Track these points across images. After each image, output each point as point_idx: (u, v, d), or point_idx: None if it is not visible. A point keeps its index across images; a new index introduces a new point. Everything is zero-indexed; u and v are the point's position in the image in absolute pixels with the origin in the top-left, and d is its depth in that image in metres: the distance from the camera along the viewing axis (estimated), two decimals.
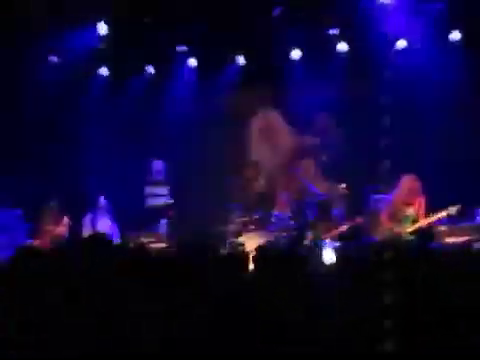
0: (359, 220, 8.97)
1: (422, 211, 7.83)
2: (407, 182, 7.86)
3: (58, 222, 9.63)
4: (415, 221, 7.80)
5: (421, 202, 7.85)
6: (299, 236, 9.35)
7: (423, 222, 7.78)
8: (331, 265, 7.57)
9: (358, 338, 2.34)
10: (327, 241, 8.92)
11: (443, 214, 7.73)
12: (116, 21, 10.09)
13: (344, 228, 8.96)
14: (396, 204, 7.89)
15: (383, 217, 8.03)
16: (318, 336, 2.27)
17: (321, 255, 8.14)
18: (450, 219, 8.80)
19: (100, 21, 9.99)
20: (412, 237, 7.74)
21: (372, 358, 2.35)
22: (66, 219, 9.71)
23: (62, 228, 9.64)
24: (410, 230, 7.75)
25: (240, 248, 8.67)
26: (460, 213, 7.84)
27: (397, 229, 7.77)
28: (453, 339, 2.30)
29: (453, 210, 7.68)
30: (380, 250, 3.02)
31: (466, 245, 7.01)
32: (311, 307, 2.31)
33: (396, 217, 7.87)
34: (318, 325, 2.28)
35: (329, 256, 8.23)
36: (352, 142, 10.94)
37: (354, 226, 8.90)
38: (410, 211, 7.82)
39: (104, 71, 11.13)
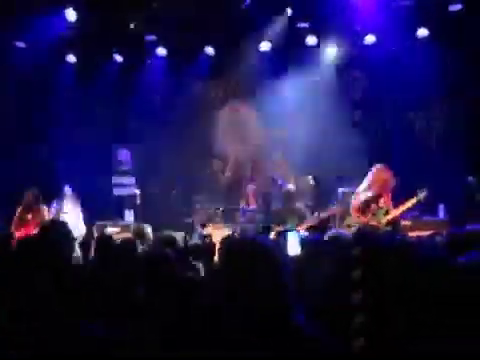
0: (333, 210, 9.00)
1: (390, 201, 7.75)
2: (378, 173, 7.75)
3: (36, 211, 9.32)
4: (388, 212, 7.72)
5: (389, 198, 7.78)
6: (264, 228, 9.38)
7: (396, 211, 7.71)
8: (295, 256, 7.62)
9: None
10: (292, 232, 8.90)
11: (413, 201, 7.66)
12: (85, 8, 9.94)
13: (315, 220, 8.98)
14: (366, 196, 7.78)
15: (354, 210, 7.90)
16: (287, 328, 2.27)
17: (286, 246, 8.16)
18: (413, 213, 8.90)
19: (69, 7, 9.83)
20: (388, 228, 7.66)
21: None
22: (53, 208, 9.54)
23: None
24: (385, 221, 7.66)
25: (207, 239, 8.65)
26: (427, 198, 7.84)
27: (372, 222, 7.67)
28: (426, 332, 2.32)
29: (422, 195, 7.63)
30: (348, 245, 3.02)
31: (430, 238, 7.09)
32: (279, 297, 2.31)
33: (369, 210, 7.76)
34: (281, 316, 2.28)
35: (294, 247, 8.25)
36: (321, 135, 11.01)
37: (325, 218, 8.93)
38: (381, 203, 7.74)
39: (72, 58, 10.97)
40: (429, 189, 7.82)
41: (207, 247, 6.33)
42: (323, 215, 8.92)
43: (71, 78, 10.94)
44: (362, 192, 7.82)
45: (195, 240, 8.77)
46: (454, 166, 9.79)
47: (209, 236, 8.83)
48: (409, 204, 7.67)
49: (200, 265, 5.29)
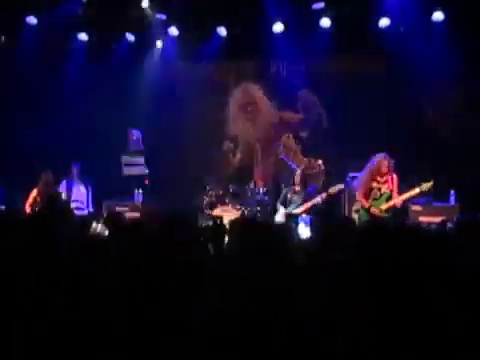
0: (337, 188, 9.01)
1: (396, 188, 7.89)
2: (378, 160, 7.91)
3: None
4: (389, 198, 7.86)
5: (394, 179, 7.90)
6: (272, 211, 9.38)
7: (397, 199, 7.84)
8: (306, 239, 7.62)
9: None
10: (303, 216, 8.92)
11: (416, 191, 7.83)
12: None
13: (319, 200, 8.98)
14: (368, 182, 7.92)
15: (359, 195, 8.07)
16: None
17: (297, 230, 8.17)
18: (425, 198, 8.87)
19: None
20: (387, 214, 7.80)
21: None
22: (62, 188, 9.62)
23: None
24: (385, 207, 7.80)
25: (218, 221, 8.62)
26: (432, 190, 7.91)
27: (373, 209, 7.80)
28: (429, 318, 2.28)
29: (426, 187, 7.76)
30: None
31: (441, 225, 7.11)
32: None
33: (370, 195, 7.91)
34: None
35: (304, 231, 8.26)
36: (333, 119, 10.95)
37: (325, 199, 8.95)
38: (384, 189, 7.87)
39: (83, 36, 10.92)
40: (439, 177, 7.86)
41: (217, 229, 6.30)
42: (322, 197, 8.92)
43: (82, 57, 10.90)
44: (361, 178, 7.98)
45: (204, 221, 8.80)
46: (467, 152, 9.70)
47: (220, 217, 8.82)
48: (412, 193, 7.80)
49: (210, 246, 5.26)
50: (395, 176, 7.93)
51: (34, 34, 10.45)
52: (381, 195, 7.89)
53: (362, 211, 7.99)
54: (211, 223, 8.48)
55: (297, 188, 9.29)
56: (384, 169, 7.86)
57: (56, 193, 9.14)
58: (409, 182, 8.13)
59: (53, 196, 7.86)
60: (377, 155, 7.99)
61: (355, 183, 8.53)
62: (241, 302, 2.26)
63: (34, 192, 9.34)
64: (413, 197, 8.03)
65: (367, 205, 7.86)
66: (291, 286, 2.26)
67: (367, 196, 7.93)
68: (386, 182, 7.88)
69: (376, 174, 7.91)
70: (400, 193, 7.87)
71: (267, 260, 2.29)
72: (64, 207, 3.44)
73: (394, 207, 7.84)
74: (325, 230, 3.75)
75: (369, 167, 7.97)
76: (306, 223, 8.66)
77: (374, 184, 7.90)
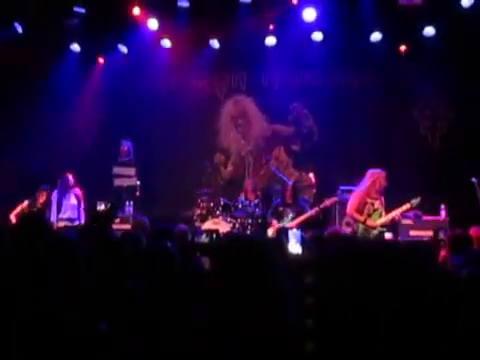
0: (332, 200, 9.01)
1: (382, 204, 7.96)
2: (378, 177, 7.92)
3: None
4: (381, 215, 7.90)
5: (382, 201, 7.98)
6: (263, 224, 9.34)
7: (389, 215, 7.87)
8: (297, 255, 7.59)
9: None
10: (293, 230, 8.87)
11: (407, 206, 7.87)
12: None
13: (312, 213, 8.97)
14: (363, 197, 7.93)
15: (350, 209, 8.04)
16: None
17: (287, 245, 8.13)
18: (416, 213, 8.89)
19: None
20: (383, 229, 7.83)
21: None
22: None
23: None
24: (381, 222, 7.82)
25: (213, 235, 8.59)
26: (420, 204, 8.00)
27: (369, 222, 7.81)
28: None
29: (415, 202, 7.84)
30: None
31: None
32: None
33: (365, 210, 7.90)
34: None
35: (294, 246, 8.22)
36: (324, 132, 10.98)
37: (318, 212, 8.94)
38: (377, 204, 7.90)
39: (75, 47, 10.89)
40: (429, 191, 7.93)
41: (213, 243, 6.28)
42: (316, 210, 8.92)
43: (74, 67, 10.87)
44: (358, 193, 7.98)
45: (199, 237, 8.73)
46: (457, 166, 9.73)
47: (215, 231, 8.78)
48: (403, 209, 7.85)
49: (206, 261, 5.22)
50: (382, 198, 8.03)
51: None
52: (374, 210, 7.91)
53: (359, 225, 7.96)
54: (206, 237, 8.46)
55: (288, 201, 9.28)
56: (382, 186, 7.90)
57: (38, 211, 9.05)
58: (398, 196, 8.17)
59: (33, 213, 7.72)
60: (375, 171, 7.99)
61: (348, 197, 8.53)
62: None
63: (24, 203, 9.31)
64: (404, 212, 8.09)
65: (362, 219, 7.84)
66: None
67: (360, 211, 7.93)
68: (378, 199, 7.93)
69: (372, 190, 7.92)
70: (390, 210, 7.94)
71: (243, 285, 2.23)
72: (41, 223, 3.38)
73: (392, 221, 7.90)
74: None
75: (368, 183, 7.95)
76: (297, 238, 8.60)
77: (368, 199, 7.91)
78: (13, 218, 9.20)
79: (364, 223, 7.83)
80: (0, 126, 10.85)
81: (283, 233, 8.81)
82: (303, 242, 7.24)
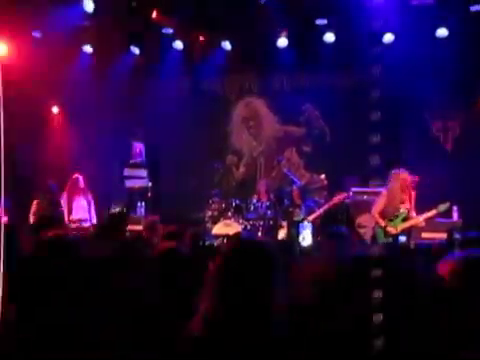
0: (342, 196, 8.97)
1: (413, 205, 7.67)
2: (401, 177, 7.64)
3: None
4: (406, 219, 7.62)
5: (412, 196, 7.67)
6: (275, 225, 9.35)
7: (415, 220, 7.63)
8: (309, 247, 7.57)
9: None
10: (305, 222, 8.82)
11: (433, 212, 7.56)
12: None
13: (321, 212, 8.95)
14: (390, 201, 7.65)
15: (375, 212, 7.78)
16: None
17: (298, 240, 8.16)
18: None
19: None
20: (404, 235, 7.58)
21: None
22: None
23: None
24: (401, 228, 7.57)
25: (224, 239, 8.61)
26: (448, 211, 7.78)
27: (389, 228, 7.57)
28: None
29: (443, 208, 7.55)
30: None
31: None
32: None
33: (389, 214, 7.65)
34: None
35: (306, 238, 8.24)
36: (336, 133, 10.96)
37: (335, 208, 8.92)
38: (403, 209, 7.62)
39: (88, 49, 10.91)
40: (442, 193, 7.73)
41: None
42: (329, 205, 8.90)
43: (86, 69, 10.90)
44: (384, 193, 7.70)
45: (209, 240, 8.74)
46: (470, 168, 9.67)
47: (225, 236, 8.78)
48: (429, 215, 7.57)
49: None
50: (413, 193, 7.73)
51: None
52: (398, 214, 7.63)
53: (378, 230, 7.75)
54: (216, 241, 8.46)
55: (297, 202, 9.31)
56: (406, 186, 7.61)
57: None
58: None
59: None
60: (398, 171, 7.69)
61: (360, 199, 8.42)
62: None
63: (34, 202, 9.32)
64: (430, 218, 7.81)
65: (383, 224, 7.63)
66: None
67: (384, 215, 7.68)
68: (404, 202, 7.65)
69: (398, 192, 7.63)
70: (416, 211, 7.68)
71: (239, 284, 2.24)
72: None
73: (415, 227, 7.70)
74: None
75: (391, 185, 7.66)
76: (309, 230, 8.53)
77: (394, 203, 7.65)
78: (32, 217, 9.17)
79: (384, 228, 7.63)
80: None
81: (295, 227, 8.85)
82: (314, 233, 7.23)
